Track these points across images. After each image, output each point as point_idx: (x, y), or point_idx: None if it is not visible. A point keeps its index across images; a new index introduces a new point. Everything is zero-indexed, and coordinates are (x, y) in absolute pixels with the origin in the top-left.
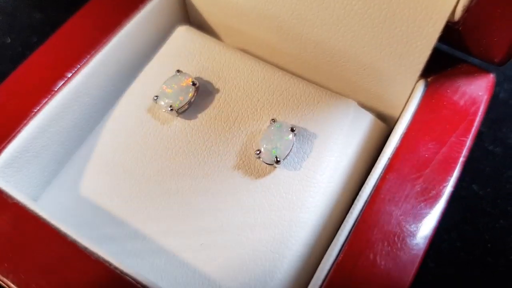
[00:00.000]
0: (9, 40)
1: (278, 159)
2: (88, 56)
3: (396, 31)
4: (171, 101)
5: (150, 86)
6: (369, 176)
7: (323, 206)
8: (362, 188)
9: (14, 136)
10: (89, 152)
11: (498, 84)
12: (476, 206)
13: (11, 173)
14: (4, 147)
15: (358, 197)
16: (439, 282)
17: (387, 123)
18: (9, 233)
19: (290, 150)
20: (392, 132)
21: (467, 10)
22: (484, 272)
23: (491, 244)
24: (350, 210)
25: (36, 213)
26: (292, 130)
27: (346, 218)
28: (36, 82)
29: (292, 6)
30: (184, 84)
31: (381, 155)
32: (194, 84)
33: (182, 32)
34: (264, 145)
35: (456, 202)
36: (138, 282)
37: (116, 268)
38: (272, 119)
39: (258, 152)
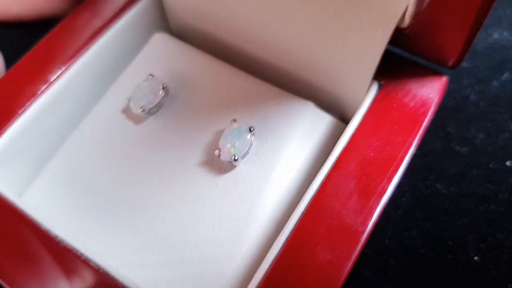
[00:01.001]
0: None
1: (236, 158)
2: (70, 62)
3: (349, 37)
4: (142, 103)
5: (126, 90)
6: (317, 174)
7: (279, 202)
8: (310, 185)
9: None
10: (67, 153)
11: (469, 86)
12: (439, 205)
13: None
14: None
15: (305, 193)
16: (399, 278)
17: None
18: None
19: (248, 149)
20: (343, 134)
21: (415, 17)
22: (444, 269)
23: (452, 242)
24: (297, 206)
25: (18, 208)
26: (250, 130)
27: (293, 213)
28: (21, 87)
29: (258, 14)
30: (155, 87)
31: (330, 154)
32: (164, 87)
33: (158, 39)
34: (223, 144)
35: (418, 200)
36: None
37: (88, 260)
38: (233, 120)
39: (218, 151)
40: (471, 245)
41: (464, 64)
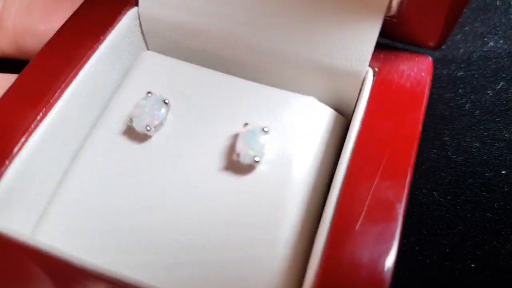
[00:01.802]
0: None
1: (257, 159)
2: (59, 93)
3: (342, 31)
4: (146, 121)
5: (123, 111)
6: (338, 165)
7: (303, 194)
8: (335, 176)
9: None
10: (73, 183)
11: (464, 95)
12: (436, 213)
13: (4, 214)
14: None
15: (333, 182)
16: (396, 284)
17: (345, 116)
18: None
19: (265, 149)
20: (352, 121)
21: (401, 4)
22: (440, 276)
23: (449, 249)
24: (330, 193)
25: (37, 247)
26: (264, 130)
27: (328, 201)
28: (12, 123)
29: (240, 18)
30: (156, 104)
31: (346, 142)
32: (165, 102)
33: (147, 58)
34: (242, 148)
35: (416, 209)
36: None
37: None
38: (245, 123)
39: (237, 155)
40: (468, 252)
41: (460, 72)
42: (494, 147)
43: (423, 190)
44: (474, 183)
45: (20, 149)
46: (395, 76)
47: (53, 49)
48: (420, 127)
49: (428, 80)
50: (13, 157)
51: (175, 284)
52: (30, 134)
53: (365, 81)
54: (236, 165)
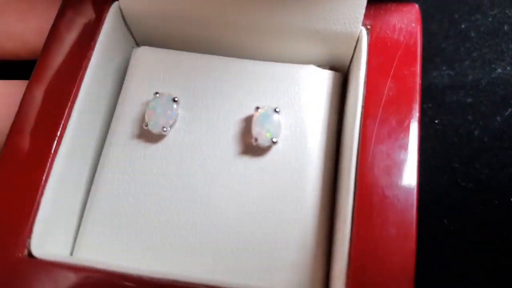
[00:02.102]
0: None
1: (274, 140)
2: (67, 109)
3: None
4: (161, 122)
5: (133, 114)
6: (351, 128)
7: (319, 164)
8: (350, 138)
9: (36, 210)
10: (101, 195)
11: (473, 122)
12: (447, 240)
13: (45, 241)
14: (33, 222)
15: (346, 145)
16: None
17: (339, 71)
18: None
19: (280, 129)
20: (350, 80)
21: None
22: None
23: (460, 277)
24: (351, 159)
25: (83, 266)
26: (276, 111)
27: (350, 166)
28: (32, 154)
29: None
30: (167, 103)
31: (348, 101)
32: (175, 100)
33: (142, 54)
34: (258, 131)
35: (426, 235)
36: None
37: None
38: (257, 107)
39: (255, 140)
40: (482, 277)
41: (469, 99)
42: (503, 174)
43: (433, 217)
44: (484, 209)
45: (47, 177)
46: (388, 32)
47: (48, 66)
48: (419, 78)
49: (419, 30)
50: (43, 187)
51: (222, 269)
52: (52, 160)
53: (360, 39)
54: (254, 147)
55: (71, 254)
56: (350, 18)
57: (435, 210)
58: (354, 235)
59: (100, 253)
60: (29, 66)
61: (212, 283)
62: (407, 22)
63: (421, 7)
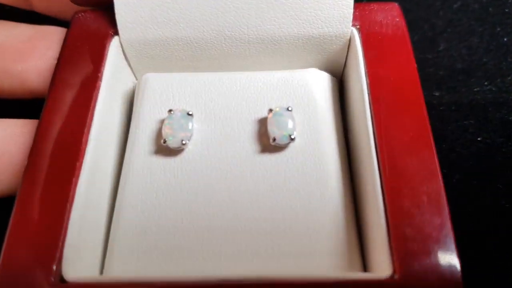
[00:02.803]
0: None
1: (293, 137)
2: (84, 136)
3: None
4: (181, 136)
5: (146, 135)
6: (363, 116)
7: (338, 152)
8: (363, 125)
9: (64, 235)
10: (125, 214)
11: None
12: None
13: (75, 265)
14: (62, 247)
15: (364, 131)
16: None
17: (335, 75)
18: None
19: (295, 126)
20: (354, 78)
21: None
22: None
23: None
24: (369, 145)
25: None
26: (288, 109)
27: (370, 152)
28: (55, 180)
29: (223, 18)
30: (183, 118)
31: (358, 97)
32: (189, 114)
33: (150, 79)
34: (275, 131)
35: (468, 255)
36: None
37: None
38: (269, 109)
39: (273, 139)
40: None
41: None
42: None
43: (477, 239)
44: None
45: (71, 201)
46: (376, 28)
47: (58, 103)
48: (415, 65)
49: (403, 23)
50: (69, 211)
51: (263, 269)
52: (75, 186)
53: (352, 40)
54: (272, 146)
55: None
56: (340, 19)
57: (479, 232)
58: (389, 207)
59: (130, 272)
60: (24, 104)
61: (264, 279)
62: (391, 18)
63: (462, 21)
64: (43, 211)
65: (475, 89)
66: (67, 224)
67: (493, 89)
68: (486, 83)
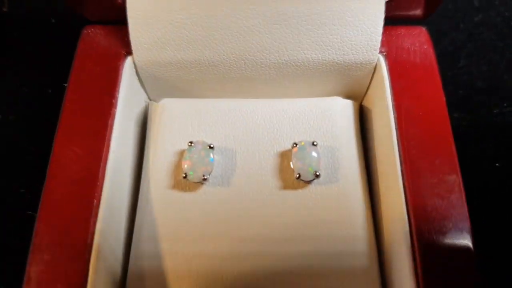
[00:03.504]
0: None
1: (318, 173)
2: (101, 170)
3: (348, 26)
4: (201, 172)
5: (166, 166)
6: (391, 161)
7: (361, 191)
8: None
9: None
10: (143, 254)
11: None
12: None
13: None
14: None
15: (395, 179)
16: None
17: (354, 100)
18: None
19: (321, 161)
20: (378, 108)
21: None
22: None
23: None
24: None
25: None
26: (314, 144)
27: (398, 199)
28: (73, 217)
29: (244, 39)
30: (204, 152)
31: (383, 127)
32: (211, 147)
33: (166, 105)
34: (300, 167)
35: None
36: None
37: None
38: (294, 143)
39: (298, 175)
40: None
41: None
42: None
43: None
44: None
45: (91, 241)
46: (404, 55)
47: (72, 128)
48: (443, 97)
49: (431, 50)
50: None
51: None
52: (94, 225)
53: (378, 66)
54: (295, 181)
55: None
56: (367, 46)
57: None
58: (418, 256)
59: None
60: None
61: None
62: (418, 44)
63: (483, 35)
64: (62, 254)
65: (495, 111)
66: (87, 269)
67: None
68: (505, 104)
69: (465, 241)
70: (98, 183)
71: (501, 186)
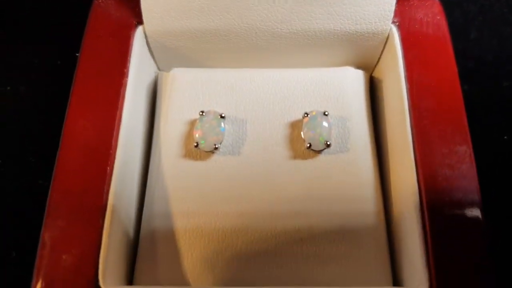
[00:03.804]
0: None
1: (329, 143)
2: (113, 140)
3: None
4: (212, 141)
5: (178, 135)
6: (403, 132)
7: (371, 161)
8: (404, 142)
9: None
10: (155, 221)
11: None
12: None
13: (108, 276)
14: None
15: (407, 152)
16: None
17: (366, 70)
18: None
19: (332, 131)
20: (391, 77)
21: None
22: None
23: None
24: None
25: None
26: (325, 114)
27: (409, 173)
28: (86, 189)
29: (257, 7)
30: (215, 121)
31: (396, 98)
32: (222, 116)
33: (176, 75)
34: (311, 137)
35: None
36: None
37: None
38: (305, 113)
39: (308, 145)
40: None
41: None
42: None
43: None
44: None
45: (104, 212)
46: (416, 26)
47: (84, 98)
48: (455, 69)
49: (444, 22)
50: (103, 220)
51: (294, 270)
52: (107, 195)
53: (391, 36)
54: (305, 151)
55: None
56: (380, 16)
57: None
58: (428, 223)
59: (161, 280)
60: None
61: None
62: (431, 15)
63: (494, 7)
64: (75, 219)
65: (504, 84)
66: (101, 233)
67: None
68: None
69: (476, 212)
70: (111, 151)
71: (509, 158)
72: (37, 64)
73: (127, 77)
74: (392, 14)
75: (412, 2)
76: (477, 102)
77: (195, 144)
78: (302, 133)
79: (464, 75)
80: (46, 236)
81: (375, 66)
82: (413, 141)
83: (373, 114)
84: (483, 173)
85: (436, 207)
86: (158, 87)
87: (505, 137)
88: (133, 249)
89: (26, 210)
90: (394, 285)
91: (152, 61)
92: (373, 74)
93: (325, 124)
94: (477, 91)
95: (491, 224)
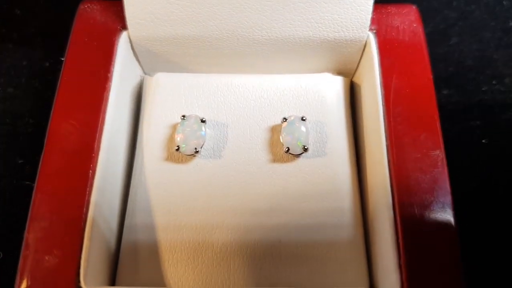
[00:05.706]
0: None
1: (306, 147)
2: (96, 143)
3: (339, 3)
4: (193, 145)
5: (160, 138)
6: (375, 125)
7: (348, 166)
8: (375, 131)
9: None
10: (137, 224)
11: None
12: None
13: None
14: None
15: (380, 156)
16: None
17: (345, 76)
18: None
19: (309, 136)
20: (367, 84)
21: None
22: None
23: None
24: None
25: None
26: (303, 119)
27: (382, 175)
28: (68, 190)
29: (236, 16)
30: (196, 125)
31: (371, 105)
32: (203, 121)
33: (161, 79)
34: (289, 141)
35: None
36: None
37: None
38: (283, 118)
39: (287, 149)
40: None
41: None
42: None
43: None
44: None
45: (86, 213)
46: (393, 34)
47: (68, 101)
48: (430, 76)
49: (420, 29)
50: (84, 221)
51: (270, 272)
52: (89, 196)
53: (368, 43)
54: (284, 155)
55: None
56: (358, 24)
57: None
58: (400, 224)
59: (143, 281)
60: None
61: None
62: (408, 23)
63: (475, 13)
64: (58, 222)
65: (484, 89)
66: (83, 236)
67: (501, 89)
68: (494, 82)
69: (446, 214)
70: (93, 154)
71: (487, 162)
72: (25, 65)
73: (110, 81)
74: (369, 22)
75: (389, 10)
76: (457, 106)
77: (176, 147)
78: (280, 137)
79: (445, 79)
80: (30, 237)
81: (355, 72)
82: (387, 146)
83: (353, 119)
84: (461, 176)
85: (408, 209)
86: (143, 91)
87: (484, 141)
88: (116, 250)
89: (14, 210)
90: (370, 287)
91: (137, 65)
92: (353, 80)
93: (303, 128)
94: (457, 95)
95: (464, 227)
